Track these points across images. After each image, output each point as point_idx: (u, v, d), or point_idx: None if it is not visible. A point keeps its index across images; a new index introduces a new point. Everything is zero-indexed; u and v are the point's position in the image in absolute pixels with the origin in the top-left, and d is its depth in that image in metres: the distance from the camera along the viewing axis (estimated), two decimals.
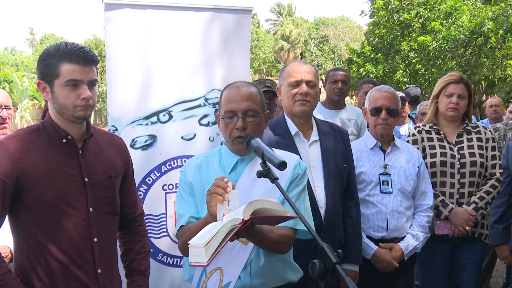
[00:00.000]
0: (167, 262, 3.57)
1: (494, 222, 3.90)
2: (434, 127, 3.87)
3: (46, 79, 2.31)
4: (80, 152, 2.40)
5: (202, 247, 1.96)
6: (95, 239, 2.40)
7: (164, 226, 3.56)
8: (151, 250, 3.48)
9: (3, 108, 3.66)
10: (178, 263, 3.55)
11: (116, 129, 3.40)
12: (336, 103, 5.13)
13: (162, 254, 3.55)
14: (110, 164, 2.51)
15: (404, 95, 6.13)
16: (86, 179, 2.38)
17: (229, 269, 2.37)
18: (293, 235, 2.46)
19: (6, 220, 2.34)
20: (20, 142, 2.30)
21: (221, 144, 2.64)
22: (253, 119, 2.45)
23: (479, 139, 3.82)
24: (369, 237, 3.41)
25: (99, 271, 2.41)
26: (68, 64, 2.26)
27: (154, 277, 3.44)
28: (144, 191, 3.51)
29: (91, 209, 2.39)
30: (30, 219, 2.28)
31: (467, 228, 3.63)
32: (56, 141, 2.35)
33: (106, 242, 2.47)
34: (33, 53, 66.87)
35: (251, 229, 2.14)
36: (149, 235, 3.47)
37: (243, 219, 2.01)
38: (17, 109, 4.56)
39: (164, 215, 3.56)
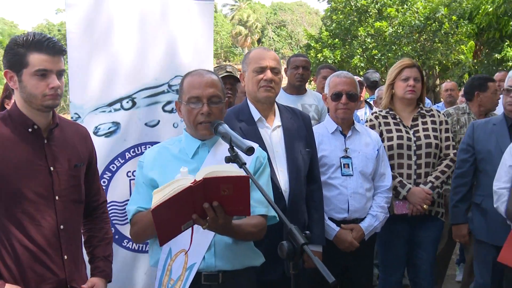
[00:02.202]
0: (133, 248, 3.58)
1: (458, 201, 3.98)
2: (390, 112, 4.02)
3: (14, 68, 2.33)
4: (46, 141, 2.43)
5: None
6: (61, 226, 2.44)
7: None
8: (117, 237, 3.50)
9: None
10: (144, 249, 3.56)
11: (79, 117, 3.38)
12: (297, 89, 5.21)
13: (127, 241, 3.56)
14: (75, 154, 2.55)
15: (361, 80, 6.27)
16: (52, 168, 2.42)
17: (194, 251, 2.43)
18: (265, 221, 2.57)
19: None
20: None
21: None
22: (217, 105, 2.53)
23: (433, 122, 3.99)
24: (331, 219, 3.51)
25: (65, 257, 2.46)
26: (37, 54, 2.30)
27: (120, 263, 3.45)
28: (108, 178, 3.50)
29: (57, 197, 2.43)
30: None
31: (424, 206, 3.79)
32: (22, 130, 2.38)
33: (72, 229, 2.52)
34: None
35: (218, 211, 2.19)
36: (113, 222, 3.49)
37: (195, 179, 2.09)
38: None
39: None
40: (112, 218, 3.48)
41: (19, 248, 2.32)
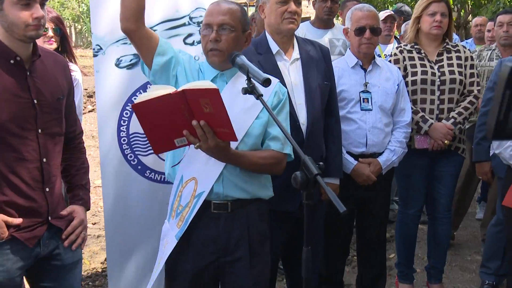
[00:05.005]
0: (154, 178, 3.67)
1: (481, 138, 3.96)
2: (415, 46, 3.96)
3: None
4: (28, 73, 2.37)
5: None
6: (44, 160, 2.42)
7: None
8: (139, 167, 3.59)
9: None
10: (164, 179, 3.66)
11: (101, 48, 3.40)
12: (325, 22, 5.09)
13: (149, 171, 3.65)
14: (57, 86, 2.50)
15: (394, 14, 6.11)
16: (35, 101, 2.37)
17: (203, 180, 2.49)
18: (280, 156, 2.58)
19: None
20: None
21: None
22: (227, 33, 2.50)
23: (459, 58, 3.93)
24: (349, 153, 3.54)
25: (47, 189, 2.45)
26: None
27: (143, 192, 3.56)
28: (130, 110, 3.55)
29: (39, 131, 2.39)
30: None
31: (445, 141, 3.79)
32: (4, 62, 2.30)
33: (53, 162, 2.50)
34: None
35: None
36: (136, 152, 3.57)
37: (176, 90, 2.19)
38: None
39: None
40: (134, 149, 3.56)
41: (3, 181, 2.30)
